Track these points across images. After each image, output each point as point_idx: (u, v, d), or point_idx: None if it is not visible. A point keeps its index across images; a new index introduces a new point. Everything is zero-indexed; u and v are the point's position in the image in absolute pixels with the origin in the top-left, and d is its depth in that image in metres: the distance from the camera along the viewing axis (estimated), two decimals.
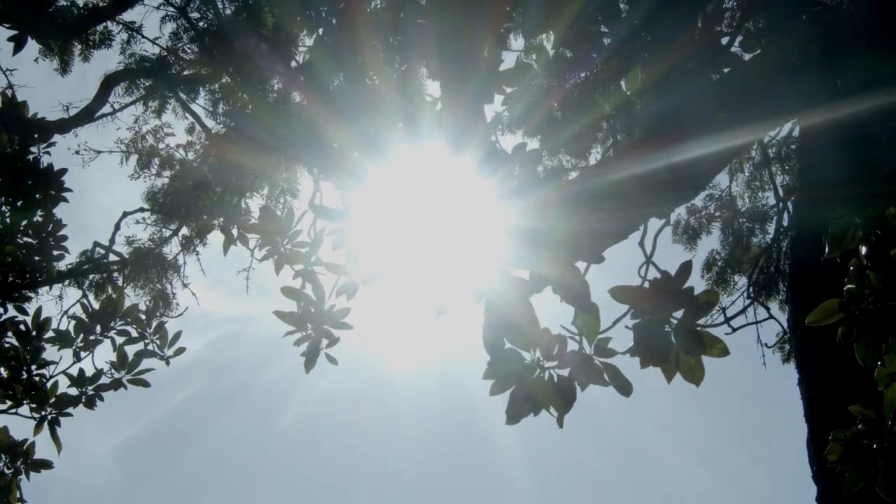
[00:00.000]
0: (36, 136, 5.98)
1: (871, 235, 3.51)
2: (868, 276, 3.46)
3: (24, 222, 5.70)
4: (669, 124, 4.19)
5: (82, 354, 5.61)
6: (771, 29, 4.77)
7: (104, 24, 9.26)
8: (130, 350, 5.69)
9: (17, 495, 5.41)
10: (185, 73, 9.31)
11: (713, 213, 10.71)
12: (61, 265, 6.84)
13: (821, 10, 4.37)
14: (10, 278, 5.75)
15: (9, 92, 7.80)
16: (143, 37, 9.39)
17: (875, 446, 3.56)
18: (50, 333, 5.61)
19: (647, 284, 3.71)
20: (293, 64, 8.38)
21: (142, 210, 9.80)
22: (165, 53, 9.22)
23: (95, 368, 5.60)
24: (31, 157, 5.79)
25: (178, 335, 5.78)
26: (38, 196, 5.66)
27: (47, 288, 8.72)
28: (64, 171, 5.76)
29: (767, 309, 9.84)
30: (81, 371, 5.59)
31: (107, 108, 9.42)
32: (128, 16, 9.46)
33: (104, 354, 5.81)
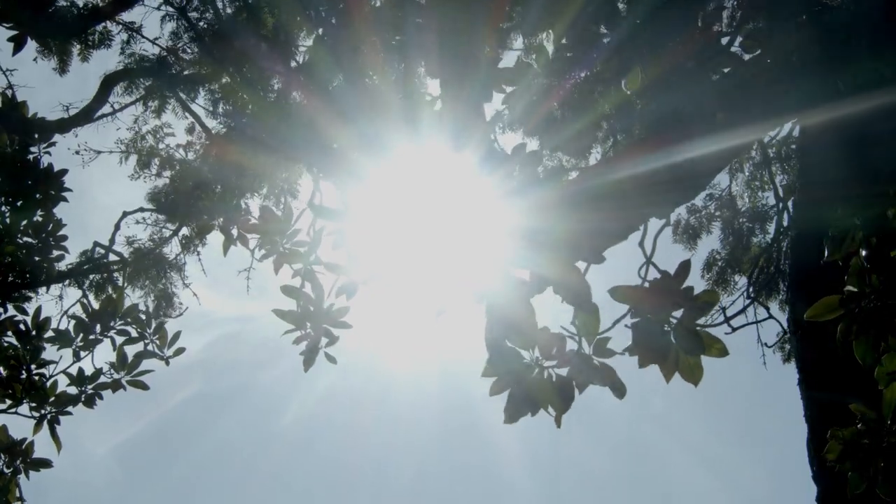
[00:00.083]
0: (36, 135, 5.98)
1: (871, 237, 3.51)
2: (868, 275, 3.45)
3: (24, 222, 5.70)
4: (669, 124, 4.19)
5: (82, 354, 5.62)
6: (771, 29, 4.76)
7: (103, 24, 9.26)
8: (130, 350, 5.69)
9: (17, 494, 5.41)
10: (185, 73, 9.31)
11: (713, 213, 10.71)
12: (61, 265, 6.84)
13: (821, 10, 4.37)
14: (10, 278, 5.75)
15: (9, 92, 7.81)
16: (143, 37, 9.40)
17: (874, 446, 3.56)
18: (49, 333, 5.61)
19: (646, 285, 3.71)
20: (293, 64, 8.38)
21: (142, 210, 9.80)
22: (165, 53, 9.23)
23: (95, 368, 5.60)
24: (31, 157, 5.79)
25: (177, 335, 5.78)
26: (38, 196, 5.66)
27: (47, 288, 8.72)
28: (64, 171, 5.76)
29: (767, 309, 9.84)
30: (81, 370, 5.59)
31: (107, 108, 9.44)
32: (127, 16, 9.48)
33: (104, 354, 5.81)
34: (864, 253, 3.50)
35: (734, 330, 9.00)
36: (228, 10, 9.04)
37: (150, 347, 5.71)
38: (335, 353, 4.98)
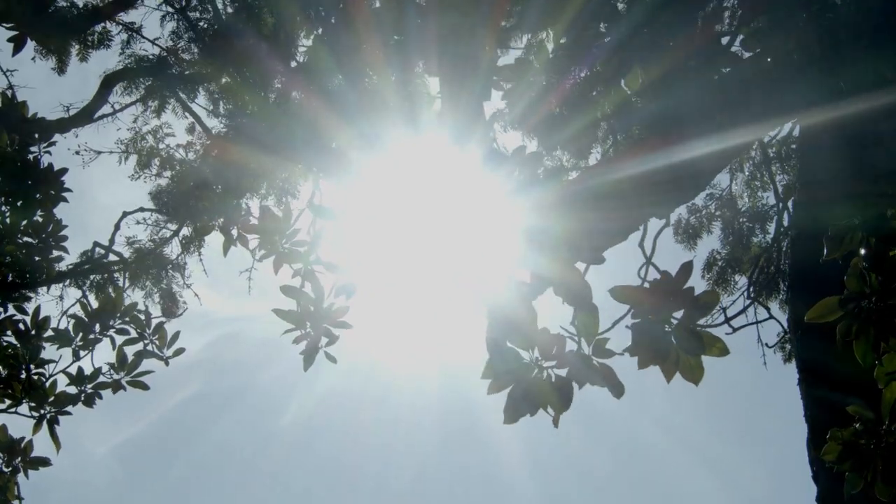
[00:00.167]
0: (36, 135, 5.98)
1: (871, 237, 3.50)
2: (868, 275, 3.45)
3: (24, 222, 5.69)
4: (669, 124, 4.19)
5: (81, 353, 5.61)
6: (772, 28, 4.76)
7: (103, 24, 9.27)
8: (130, 350, 5.68)
9: (15, 492, 5.41)
10: (185, 73, 9.32)
11: (713, 213, 10.71)
12: (61, 265, 6.83)
13: (822, 10, 4.37)
14: (10, 278, 5.75)
15: (9, 92, 7.81)
16: (143, 37, 9.40)
17: (872, 447, 3.55)
18: (49, 332, 5.61)
19: (647, 285, 3.71)
20: (293, 64, 8.38)
21: (142, 210, 9.80)
22: (165, 53, 9.23)
23: (94, 367, 5.59)
24: (31, 156, 5.78)
25: (176, 335, 5.77)
26: (38, 196, 5.65)
27: (47, 288, 8.73)
28: (64, 170, 5.76)
29: (768, 309, 9.85)
30: (80, 370, 5.58)
31: (107, 109, 9.45)
32: (127, 17, 9.48)
33: (104, 354, 5.80)
34: (863, 252, 3.49)
35: (735, 330, 9.02)
36: (228, 10, 9.04)
37: (149, 347, 5.71)
38: (335, 353, 4.98)
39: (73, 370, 5.59)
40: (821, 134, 5.61)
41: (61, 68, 9.46)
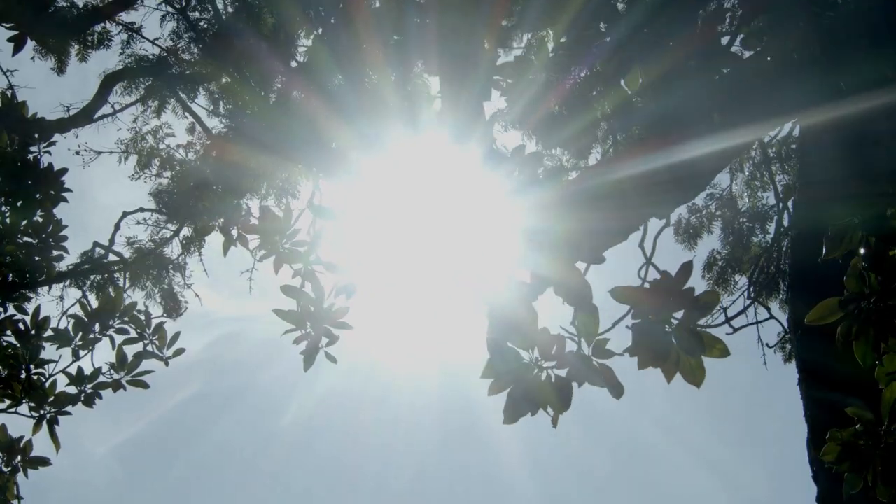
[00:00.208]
0: (36, 135, 5.98)
1: (870, 237, 3.50)
2: (867, 275, 3.45)
3: (24, 222, 5.69)
4: (669, 124, 4.19)
5: (81, 353, 5.61)
6: (772, 28, 4.76)
7: (103, 24, 9.27)
8: (129, 351, 5.68)
9: (15, 492, 5.41)
10: (185, 73, 9.32)
11: (713, 213, 10.71)
12: (61, 265, 6.83)
13: (822, 10, 4.37)
14: (10, 278, 5.75)
15: (9, 92, 7.81)
16: (143, 37, 9.40)
17: (872, 447, 3.55)
18: (49, 332, 5.61)
19: (647, 285, 3.71)
20: (293, 64, 8.39)
21: (142, 210, 9.80)
22: (165, 53, 9.23)
23: (94, 367, 5.59)
24: (30, 156, 5.78)
25: (176, 336, 5.77)
26: (38, 196, 5.66)
27: (47, 288, 8.73)
28: (64, 170, 5.76)
29: (768, 309, 9.86)
30: (80, 369, 5.58)
31: (107, 108, 9.45)
32: (127, 17, 9.48)
33: (103, 354, 5.80)
34: (862, 252, 3.49)
35: (735, 330, 9.03)
36: (229, 10, 9.05)
37: (149, 348, 5.71)
38: (335, 353, 4.98)
39: (72, 370, 5.60)
40: (821, 134, 5.61)
41: (61, 68, 9.46)
